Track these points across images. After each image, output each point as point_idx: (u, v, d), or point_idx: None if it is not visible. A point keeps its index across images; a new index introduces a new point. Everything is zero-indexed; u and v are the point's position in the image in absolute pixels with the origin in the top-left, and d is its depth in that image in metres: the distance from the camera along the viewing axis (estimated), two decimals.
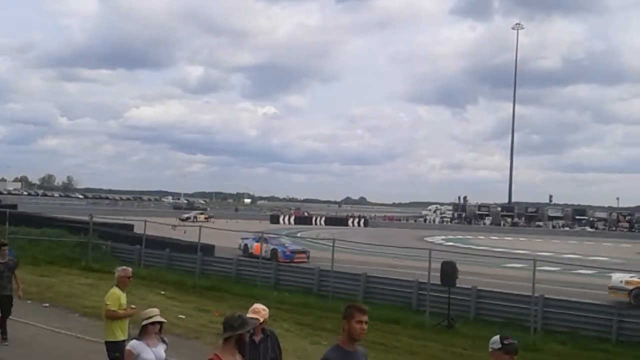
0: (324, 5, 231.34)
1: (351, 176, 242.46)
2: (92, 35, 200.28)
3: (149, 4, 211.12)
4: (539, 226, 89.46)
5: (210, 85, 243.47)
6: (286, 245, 30.39)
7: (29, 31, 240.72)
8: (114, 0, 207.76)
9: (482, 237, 65.53)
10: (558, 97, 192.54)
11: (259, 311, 5.86)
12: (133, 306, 8.04)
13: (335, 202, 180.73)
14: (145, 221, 24.81)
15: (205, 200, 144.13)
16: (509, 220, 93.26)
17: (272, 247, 28.68)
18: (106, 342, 7.90)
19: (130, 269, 8.44)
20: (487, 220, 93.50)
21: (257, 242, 27.83)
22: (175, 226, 36.03)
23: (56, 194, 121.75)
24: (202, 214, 61.88)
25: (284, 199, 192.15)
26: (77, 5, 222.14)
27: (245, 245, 30.18)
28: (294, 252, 28.97)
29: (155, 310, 6.49)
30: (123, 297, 8.01)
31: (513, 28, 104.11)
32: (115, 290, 8.00)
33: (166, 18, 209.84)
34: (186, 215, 53.32)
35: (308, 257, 28.27)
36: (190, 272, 21.50)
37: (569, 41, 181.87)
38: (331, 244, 20.08)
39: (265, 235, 28.02)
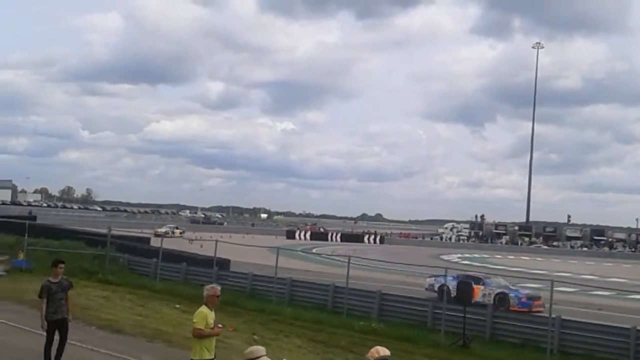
0: (343, 23, 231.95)
1: (368, 192, 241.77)
2: (115, 50, 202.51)
3: (171, 21, 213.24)
4: (556, 246, 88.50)
5: (229, 101, 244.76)
6: (515, 289, 23.51)
7: (51, 46, 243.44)
8: (137, 16, 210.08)
9: (499, 256, 65.02)
10: (578, 116, 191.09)
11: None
12: (220, 325, 8.03)
13: (351, 219, 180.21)
14: (163, 234, 24.97)
15: (222, 214, 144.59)
16: (526, 239, 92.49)
17: (497, 290, 22.51)
18: None
19: (219, 287, 8.39)
20: (504, 239, 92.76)
21: (457, 280, 19.71)
22: (192, 240, 36.19)
23: (75, 206, 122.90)
24: (177, 228, 62.15)
25: (300, 214, 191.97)
26: (100, 21, 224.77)
27: (442, 286, 21.18)
28: (531, 298, 22.16)
29: (261, 350, 6.04)
30: (210, 316, 7.95)
31: (533, 47, 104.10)
32: (203, 309, 7.95)
33: (188, 35, 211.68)
34: (163, 230, 52.46)
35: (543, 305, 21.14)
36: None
37: (590, 61, 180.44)
38: (346, 261, 20.05)
39: (473, 274, 23.73)
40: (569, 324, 15.48)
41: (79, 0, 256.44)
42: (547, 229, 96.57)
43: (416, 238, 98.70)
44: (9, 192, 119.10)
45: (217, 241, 23.00)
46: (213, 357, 7.88)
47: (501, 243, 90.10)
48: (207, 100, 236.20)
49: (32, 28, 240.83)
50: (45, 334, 9.98)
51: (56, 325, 9.96)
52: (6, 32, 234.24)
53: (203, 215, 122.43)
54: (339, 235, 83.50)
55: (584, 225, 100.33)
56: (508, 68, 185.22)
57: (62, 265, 10.39)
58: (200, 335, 7.81)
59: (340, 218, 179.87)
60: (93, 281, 21.60)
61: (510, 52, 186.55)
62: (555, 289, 15.34)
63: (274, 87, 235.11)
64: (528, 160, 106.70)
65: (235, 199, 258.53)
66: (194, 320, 7.80)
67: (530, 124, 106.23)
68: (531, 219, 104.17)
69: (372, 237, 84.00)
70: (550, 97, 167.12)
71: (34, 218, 42.51)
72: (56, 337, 10.03)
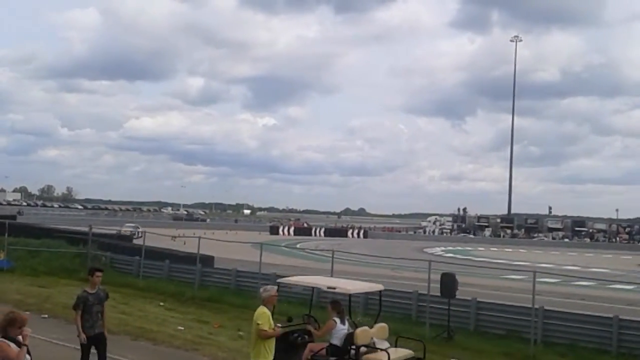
0: (323, 18, 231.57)
1: (350, 187, 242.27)
2: (93, 46, 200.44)
3: (149, 17, 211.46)
4: (538, 238, 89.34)
5: (210, 97, 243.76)
6: None
7: (29, 42, 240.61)
8: (114, 12, 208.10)
9: (481, 248, 65.51)
10: (557, 109, 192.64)
11: None
12: (279, 325, 8.01)
13: (334, 213, 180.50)
14: (145, 232, 24.79)
15: (204, 211, 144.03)
16: (508, 231, 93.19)
17: None
18: None
19: (276, 287, 8.38)
20: (487, 232, 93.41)
21: None
22: (174, 237, 36.01)
23: (55, 205, 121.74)
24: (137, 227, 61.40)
25: (283, 209, 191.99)
26: (78, 17, 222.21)
27: None
28: None
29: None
30: (271, 317, 7.96)
31: (511, 40, 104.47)
32: (265, 310, 7.91)
33: (167, 30, 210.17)
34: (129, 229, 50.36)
35: None
36: (190, 283, 21.45)
37: (568, 54, 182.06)
38: (330, 256, 20.03)
39: None
40: (552, 314, 15.60)
41: None
42: (529, 221, 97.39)
43: (399, 232, 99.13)
44: None
45: (200, 238, 22.87)
46: (272, 358, 7.93)
47: (484, 235, 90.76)
48: (188, 96, 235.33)
49: (9, 25, 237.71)
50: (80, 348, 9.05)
51: (92, 342, 8.95)
52: None
53: (186, 212, 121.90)
54: (322, 230, 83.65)
55: (565, 217, 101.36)
56: (487, 61, 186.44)
57: (99, 274, 9.29)
58: (266, 337, 7.81)
59: (324, 213, 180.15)
60: (75, 280, 21.37)
61: (489, 45, 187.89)
62: (537, 280, 15.44)
63: (254, 82, 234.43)
64: (509, 152, 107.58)
65: (218, 196, 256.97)
66: (258, 322, 7.77)
67: (510, 116, 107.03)
68: (513, 211, 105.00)
69: (356, 231, 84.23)
70: (529, 90, 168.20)
71: (14, 217, 41.98)
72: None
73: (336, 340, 9.54)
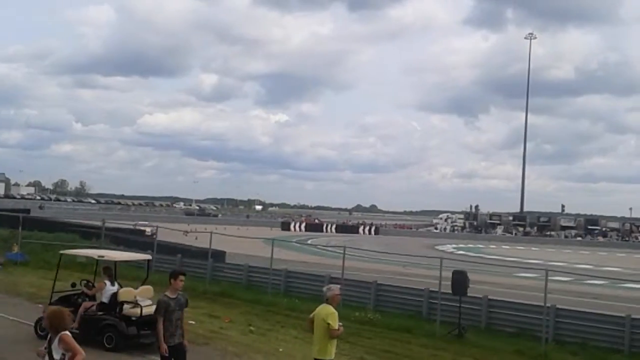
0: (337, 15, 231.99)
1: (362, 184, 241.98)
2: (108, 43, 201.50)
3: (164, 14, 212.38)
4: (551, 236, 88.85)
5: (224, 93, 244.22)
6: None
7: (45, 38, 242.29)
8: (130, 9, 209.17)
9: (493, 246, 65.27)
10: (571, 107, 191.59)
11: None
12: (340, 323, 7.94)
13: (346, 210, 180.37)
14: (157, 227, 24.90)
15: (216, 207, 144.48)
16: (520, 229, 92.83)
17: None
18: None
19: (339, 286, 8.44)
20: (499, 230, 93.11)
21: None
22: (186, 232, 36.11)
23: (69, 199, 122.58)
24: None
25: (295, 206, 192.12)
26: (94, 13, 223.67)
27: None
28: None
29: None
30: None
31: (526, 38, 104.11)
32: (333, 309, 7.86)
33: (181, 27, 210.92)
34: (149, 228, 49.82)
35: None
36: (201, 278, 21.51)
37: (583, 52, 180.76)
38: (342, 252, 20.03)
39: None
40: (564, 313, 15.51)
41: None
42: (541, 219, 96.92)
43: (411, 229, 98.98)
44: (2, 185, 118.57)
45: (212, 233, 22.95)
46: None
47: (496, 233, 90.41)
48: (201, 92, 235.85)
49: (26, 21, 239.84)
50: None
51: (172, 353, 8.12)
52: (0, 25, 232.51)
53: (198, 208, 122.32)
54: (333, 226, 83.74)
55: (578, 215, 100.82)
56: (501, 59, 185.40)
57: (182, 278, 8.48)
58: (336, 336, 7.86)
59: (335, 209, 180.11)
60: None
61: (504, 43, 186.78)
62: (549, 278, 15.36)
63: (267, 79, 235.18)
64: (522, 150, 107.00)
65: (230, 191, 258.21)
66: (329, 322, 7.74)
67: (524, 114, 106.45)
68: (525, 209, 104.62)
69: (367, 228, 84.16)
70: (544, 88, 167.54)
71: (28, 211, 42.32)
72: None
73: (105, 299, 11.89)
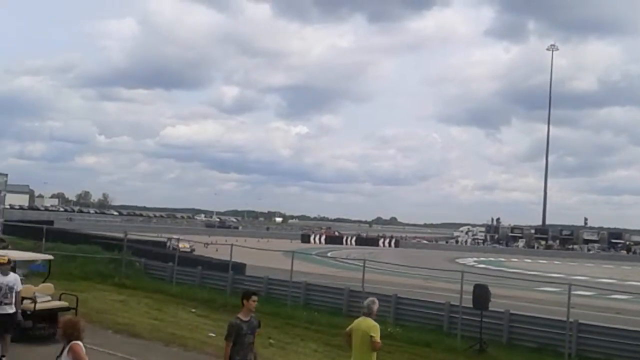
0: (357, 27, 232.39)
1: (382, 196, 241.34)
2: (131, 56, 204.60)
3: (186, 27, 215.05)
4: (573, 249, 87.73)
5: (245, 106, 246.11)
6: None
7: (69, 52, 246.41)
8: (152, 22, 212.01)
9: (515, 259, 64.57)
10: (594, 118, 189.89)
11: None
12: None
13: (366, 222, 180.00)
14: (179, 239, 25.06)
15: (237, 219, 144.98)
16: (542, 242, 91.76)
17: None
18: None
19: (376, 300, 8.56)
20: (521, 243, 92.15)
21: None
22: (207, 244, 36.30)
23: (92, 211, 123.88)
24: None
25: (314, 218, 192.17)
26: (117, 27, 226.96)
27: None
28: None
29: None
30: None
31: (548, 49, 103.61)
32: (374, 322, 8.03)
33: (203, 40, 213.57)
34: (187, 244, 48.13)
35: None
36: (222, 290, 21.61)
37: (605, 63, 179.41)
38: (361, 265, 19.99)
39: None
40: (587, 328, 15.28)
41: (95, 7, 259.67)
42: (564, 232, 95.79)
43: (431, 241, 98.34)
44: (27, 197, 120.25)
45: (232, 245, 23.04)
46: None
47: (517, 246, 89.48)
48: (222, 104, 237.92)
49: (50, 34, 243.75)
50: None
51: None
52: (25, 38, 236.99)
53: (218, 220, 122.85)
54: (353, 239, 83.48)
55: (601, 228, 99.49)
56: (523, 70, 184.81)
57: (255, 299, 8.01)
58: (379, 349, 7.97)
59: (355, 222, 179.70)
60: (109, 285, 21.73)
61: (525, 54, 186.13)
62: (572, 292, 15.18)
63: (288, 91, 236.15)
64: (544, 162, 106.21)
65: (250, 203, 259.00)
66: (372, 334, 7.86)
67: (546, 126, 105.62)
68: (547, 222, 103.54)
69: (387, 240, 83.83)
70: (566, 100, 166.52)
71: (51, 223, 42.85)
72: None
73: None
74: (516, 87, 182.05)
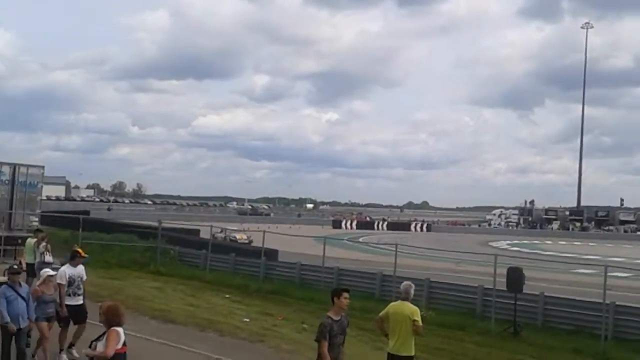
0: (387, 11, 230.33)
1: (413, 181, 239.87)
2: (163, 47, 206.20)
3: (217, 17, 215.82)
4: (609, 230, 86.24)
5: (275, 93, 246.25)
6: None
7: (103, 45, 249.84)
8: (183, 13, 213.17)
9: (549, 242, 63.79)
10: (630, 97, 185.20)
11: None
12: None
13: (397, 207, 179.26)
14: (212, 226, 25.34)
15: (268, 206, 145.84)
16: (577, 224, 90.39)
17: None
18: (411, 357, 8.06)
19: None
20: (555, 225, 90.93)
21: None
22: (240, 231, 36.64)
23: (126, 200, 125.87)
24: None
25: (345, 204, 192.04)
26: (149, 19, 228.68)
27: None
28: None
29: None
30: None
31: (582, 27, 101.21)
32: (414, 306, 8.15)
33: (233, 29, 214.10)
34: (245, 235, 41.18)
35: None
36: (255, 276, 21.84)
37: None
38: (393, 249, 19.99)
39: None
40: (624, 310, 15.07)
41: (129, 0, 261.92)
42: (599, 214, 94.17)
43: (464, 225, 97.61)
44: (63, 188, 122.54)
45: (264, 232, 23.24)
46: None
47: (552, 229, 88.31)
48: (253, 93, 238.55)
49: (85, 28, 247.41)
50: None
51: None
52: (60, 33, 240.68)
53: (250, 207, 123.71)
54: (385, 223, 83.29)
55: (638, 209, 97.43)
56: (556, 50, 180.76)
57: (347, 296, 7.57)
58: (422, 332, 8.11)
59: (386, 207, 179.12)
60: (145, 273, 22.13)
61: (559, 33, 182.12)
62: (608, 274, 14.96)
63: (318, 78, 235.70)
64: (578, 143, 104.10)
65: (282, 190, 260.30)
66: (416, 319, 7.96)
67: (580, 106, 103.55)
68: (582, 203, 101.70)
69: (419, 225, 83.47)
70: (601, 79, 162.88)
71: (88, 213, 43.62)
72: None
73: None
74: (550, 67, 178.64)
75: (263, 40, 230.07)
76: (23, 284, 9.35)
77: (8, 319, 8.71)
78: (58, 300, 9.95)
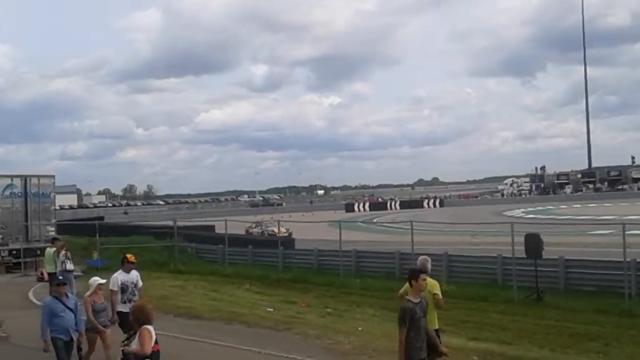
0: None
1: (421, 157, 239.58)
2: (158, 46, 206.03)
3: (208, 10, 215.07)
4: (623, 190, 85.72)
5: (274, 82, 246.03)
6: None
7: (98, 49, 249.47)
8: (175, 10, 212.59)
9: (564, 206, 63.60)
10: (630, 54, 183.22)
11: None
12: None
13: (407, 186, 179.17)
14: (226, 220, 25.42)
15: (279, 196, 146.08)
16: (590, 186, 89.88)
17: None
18: (436, 331, 7.85)
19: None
20: (568, 189, 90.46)
21: None
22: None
23: (139, 203, 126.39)
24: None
25: (356, 187, 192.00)
26: (141, 18, 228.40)
27: None
28: None
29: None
30: None
31: None
32: (434, 280, 8.07)
33: (226, 21, 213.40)
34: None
35: None
36: (273, 266, 21.94)
37: None
38: (408, 228, 20.00)
39: None
40: None
41: (118, 1, 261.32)
42: (612, 173, 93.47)
43: (476, 197, 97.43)
44: (75, 196, 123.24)
45: (278, 221, 23.31)
46: None
47: (565, 193, 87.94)
48: (252, 84, 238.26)
49: (78, 34, 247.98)
50: None
51: None
52: (54, 40, 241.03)
53: (262, 199, 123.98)
54: (397, 203, 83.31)
55: None
56: (553, 12, 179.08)
57: (424, 277, 7.06)
58: (443, 305, 7.99)
59: (397, 186, 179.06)
60: (165, 272, 22.27)
61: None
62: (627, 232, 14.90)
63: (316, 62, 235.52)
64: (584, 105, 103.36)
65: (291, 179, 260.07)
66: (435, 292, 7.88)
67: (582, 68, 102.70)
68: (593, 164, 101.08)
69: (432, 201, 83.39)
70: (600, 38, 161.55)
71: (102, 218, 43.91)
72: None
73: None
74: (548, 30, 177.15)
75: (257, 29, 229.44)
76: (70, 295, 8.90)
77: (48, 337, 8.35)
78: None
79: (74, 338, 8.60)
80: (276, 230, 36.06)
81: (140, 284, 10.24)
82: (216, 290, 18.42)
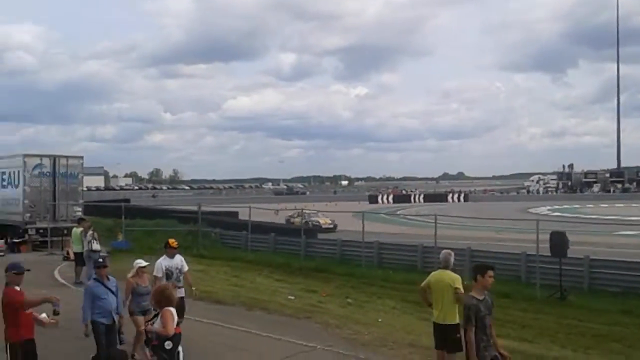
0: None
1: (447, 151, 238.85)
2: (188, 32, 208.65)
3: None
4: None
5: (302, 71, 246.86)
6: None
7: (130, 33, 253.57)
8: None
9: (590, 205, 62.69)
10: None
11: None
12: None
13: (432, 179, 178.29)
14: (250, 207, 25.56)
15: (304, 185, 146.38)
16: (619, 186, 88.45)
17: None
18: (456, 325, 7.81)
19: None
20: (595, 188, 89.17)
21: None
22: (277, 211, 36.84)
23: (164, 187, 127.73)
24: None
25: (380, 178, 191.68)
26: (173, 4, 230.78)
27: None
28: None
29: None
30: None
31: None
32: (455, 274, 8.08)
33: (257, 9, 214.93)
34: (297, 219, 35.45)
35: None
36: (295, 254, 22.04)
37: None
38: (431, 221, 19.91)
39: None
40: None
41: None
42: None
43: (502, 193, 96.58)
44: (102, 178, 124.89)
45: (302, 210, 23.36)
46: None
47: (592, 192, 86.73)
48: (281, 72, 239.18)
49: (111, 18, 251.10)
50: None
51: None
52: (87, 23, 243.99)
53: (286, 187, 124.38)
54: (421, 196, 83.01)
55: None
56: (587, 9, 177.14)
57: (491, 273, 6.75)
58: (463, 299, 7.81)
59: (422, 179, 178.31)
60: (188, 256, 22.10)
61: None
62: None
63: (345, 52, 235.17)
64: (614, 104, 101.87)
65: (315, 168, 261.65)
66: (457, 286, 7.89)
67: (615, 65, 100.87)
68: (623, 164, 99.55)
69: (456, 195, 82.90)
70: (633, 36, 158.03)
71: (128, 200, 44.44)
72: None
73: None
74: (581, 27, 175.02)
75: (287, 18, 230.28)
76: (111, 277, 8.57)
77: (88, 319, 8.16)
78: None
79: (116, 321, 8.45)
80: (321, 220, 35.56)
81: (186, 268, 10.07)
82: (238, 275, 18.59)
